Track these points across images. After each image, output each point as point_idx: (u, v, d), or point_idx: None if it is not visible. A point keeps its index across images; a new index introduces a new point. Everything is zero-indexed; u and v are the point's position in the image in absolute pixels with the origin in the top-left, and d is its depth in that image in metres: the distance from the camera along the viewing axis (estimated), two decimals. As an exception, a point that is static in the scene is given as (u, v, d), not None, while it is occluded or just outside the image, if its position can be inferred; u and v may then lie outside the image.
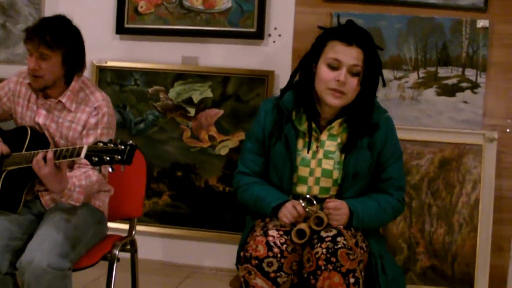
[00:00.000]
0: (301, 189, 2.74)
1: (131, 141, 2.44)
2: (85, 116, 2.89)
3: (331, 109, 2.71)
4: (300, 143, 2.75)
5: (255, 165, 2.83)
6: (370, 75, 2.67)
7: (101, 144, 2.44)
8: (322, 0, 3.90)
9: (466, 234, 3.80)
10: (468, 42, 3.77)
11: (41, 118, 2.91)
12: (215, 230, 4.16)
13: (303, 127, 2.74)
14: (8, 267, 2.66)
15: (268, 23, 4.04)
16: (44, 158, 2.56)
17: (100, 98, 2.93)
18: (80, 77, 2.96)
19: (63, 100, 2.89)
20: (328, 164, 2.71)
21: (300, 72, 2.78)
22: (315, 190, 2.73)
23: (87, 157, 2.44)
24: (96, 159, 2.42)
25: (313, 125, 2.72)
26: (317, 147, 2.73)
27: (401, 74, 3.85)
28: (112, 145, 2.42)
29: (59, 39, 2.78)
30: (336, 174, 2.71)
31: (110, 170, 2.43)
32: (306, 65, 2.75)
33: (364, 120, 2.69)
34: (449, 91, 3.82)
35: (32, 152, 2.70)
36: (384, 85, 2.79)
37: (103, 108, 2.91)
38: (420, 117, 3.84)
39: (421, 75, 3.84)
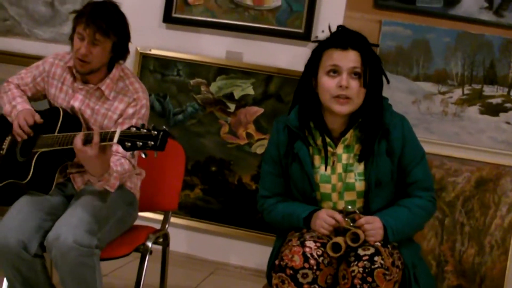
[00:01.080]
0: (327, 205, 2.77)
1: (164, 127, 2.49)
2: (122, 106, 3.00)
3: (339, 120, 2.73)
4: (317, 159, 2.77)
5: (276, 187, 2.87)
6: (371, 75, 2.69)
7: (134, 129, 2.50)
8: (372, 6, 4.03)
9: (496, 257, 3.91)
10: None
11: (77, 102, 3.00)
12: (244, 228, 4.31)
13: (318, 142, 2.77)
14: (37, 248, 2.75)
15: (316, 25, 4.16)
16: (89, 141, 2.61)
17: (139, 90, 3.04)
18: (121, 64, 3.07)
19: (102, 88, 2.99)
20: (349, 178, 2.73)
21: (301, 89, 2.81)
22: (341, 205, 2.75)
23: (120, 141, 2.50)
24: (129, 144, 2.48)
25: (327, 140, 2.75)
26: (333, 162, 2.75)
27: (446, 89, 3.96)
28: (145, 131, 2.48)
29: (113, 27, 2.90)
30: (359, 186, 2.73)
31: (143, 155, 2.47)
32: (305, 81, 2.78)
33: (375, 124, 2.71)
34: (493, 110, 3.91)
35: (66, 134, 2.79)
36: (388, 82, 2.81)
37: (142, 100, 3.02)
38: (460, 133, 3.95)
39: (466, 91, 3.94)
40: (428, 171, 2.84)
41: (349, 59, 2.66)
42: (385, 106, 2.79)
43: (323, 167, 2.76)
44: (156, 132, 2.47)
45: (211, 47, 4.37)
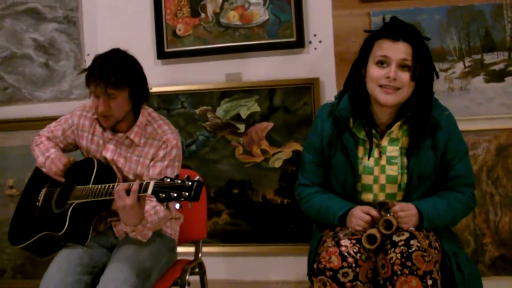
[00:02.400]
0: (367, 197, 2.80)
1: (198, 177, 2.52)
2: (153, 150, 3.03)
3: (386, 111, 2.76)
4: (361, 150, 2.80)
5: (316, 176, 2.90)
6: (422, 68, 2.70)
7: (168, 180, 2.53)
8: (359, 1, 4.05)
9: (532, 219, 3.89)
10: (511, 25, 3.89)
11: (108, 153, 3.04)
12: (278, 243, 4.30)
13: (362, 134, 2.79)
14: (81, 301, 2.76)
15: (307, 30, 4.19)
16: (127, 191, 2.64)
17: (168, 132, 3.06)
18: (146, 108, 3.09)
19: (131, 136, 3.02)
20: (391, 170, 2.76)
21: (351, 78, 2.85)
22: (381, 197, 2.78)
23: (154, 193, 2.53)
24: (163, 195, 2.50)
25: (373, 131, 2.78)
26: (379, 153, 2.78)
27: (447, 65, 3.96)
28: (179, 182, 2.50)
29: (124, 77, 2.90)
30: (400, 179, 2.76)
31: (177, 206, 2.48)
32: (356, 70, 2.82)
33: (424, 119, 2.73)
34: (497, 76, 3.92)
35: (101, 186, 2.82)
36: (437, 76, 2.82)
37: (172, 141, 3.03)
38: (470, 106, 3.95)
39: (467, 64, 3.95)
40: (470, 168, 2.88)
41: (399, 50, 2.69)
42: (434, 101, 2.82)
43: (366, 158, 2.78)
44: (190, 183, 2.49)
45: (209, 73, 4.40)
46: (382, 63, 2.71)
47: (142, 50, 4.36)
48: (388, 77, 2.68)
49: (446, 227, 2.83)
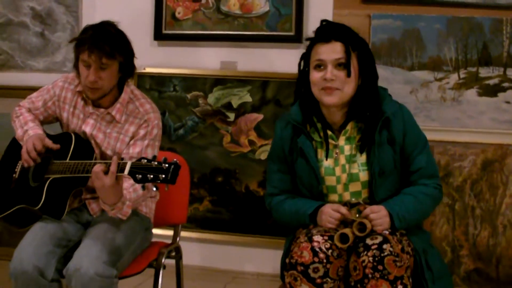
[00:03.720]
0: (333, 197, 2.79)
1: (175, 160, 2.49)
2: (133, 128, 3.01)
3: (337, 112, 2.77)
4: (320, 153, 2.80)
5: (283, 184, 2.90)
6: (362, 64, 2.72)
7: (145, 161, 2.50)
8: (360, 2, 4.05)
9: (510, 236, 3.92)
10: (509, 41, 3.89)
11: (88, 127, 3.02)
12: (256, 235, 4.32)
13: (317, 136, 2.80)
14: (54, 273, 2.76)
15: (306, 26, 4.19)
16: (104, 171, 2.61)
17: (150, 111, 3.04)
18: (129, 85, 3.07)
19: (113, 113, 3.00)
20: (353, 168, 2.76)
21: (299, 86, 2.86)
22: (347, 196, 2.78)
23: (130, 173, 2.51)
24: (140, 176, 2.48)
25: (329, 132, 2.78)
26: (336, 153, 2.78)
27: (442, 75, 3.97)
28: (156, 163, 2.48)
29: (118, 48, 2.89)
30: (363, 176, 2.75)
31: (154, 188, 2.47)
32: (302, 78, 2.83)
33: (372, 113, 2.74)
34: (491, 91, 3.93)
35: (78, 162, 2.80)
36: (375, 74, 2.81)
37: (153, 121, 3.02)
38: (461, 118, 3.95)
39: (462, 75, 3.95)
40: (431, 158, 2.87)
41: (332, 51, 2.70)
42: (383, 95, 2.82)
43: (326, 160, 2.78)
44: (167, 165, 2.47)
45: (204, 59, 4.41)
46: (320, 66, 2.72)
47: (140, 29, 4.42)
48: (325, 79, 2.69)
49: (417, 223, 2.83)
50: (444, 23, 3.98)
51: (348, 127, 2.79)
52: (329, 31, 2.75)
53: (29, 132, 3.03)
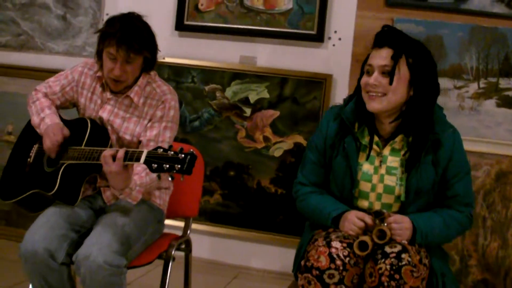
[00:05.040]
0: (362, 203, 2.79)
1: (192, 150, 2.48)
2: (152, 110, 3.01)
3: (384, 120, 2.75)
4: (362, 157, 2.79)
5: (315, 176, 2.90)
6: (417, 75, 2.69)
7: (161, 150, 2.49)
8: (384, 5, 4.04)
9: (520, 249, 3.91)
10: None
11: (105, 113, 3.02)
12: (265, 231, 4.32)
13: (365, 140, 2.79)
14: (64, 257, 2.76)
15: (328, 26, 4.20)
16: (113, 157, 2.62)
17: (167, 92, 3.04)
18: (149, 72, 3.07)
19: (131, 95, 3.00)
20: (390, 181, 2.75)
21: (358, 85, 2.84)
22: (377, 206, 2.77)
23: (146, 162, 2.50)
24: (156, 165, 2.47)
25: (376, 139, 2.78)
26: (380, 162, 2.77)
27: (461, 83, 3.97)
28: (172, 153, 2.47)
29: (146, 43, 2.91)
30: (398, 191, 2.75)
31: (169, 178, 2.47)
32: (361, 78, 2.82)
33: (424, 132, 2.72)
34: (510, 103, 3.92)
35: (92, 149, 2.80)
36: (438, 89, 2.79)
37: (170, 102, 3.02)
38: (478, 128, 3.95)
39: (481, 85, 3.95)
40: (470, 188, 2.86)
41: (381, 57, 2.70)
42: (439, 114, 2.81)
43: (366, 165, 2.78)
44: (183, 156, 2.46)
45: (224, 52, 4.40)
46: (368, 72, 2.74)
47: (162, 18, 4.42)
48: (369, 84, 2.71)
49: (439, 245, 2.83)
50: (467, 32, 3.96)
51: (397, 139, 2.78)
52: (385, 37, 2.74)
53: (46, 120, 3.03)
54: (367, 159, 2.79)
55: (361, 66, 2.82)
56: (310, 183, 2.91)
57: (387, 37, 2.73)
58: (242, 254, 4.44)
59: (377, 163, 2.78)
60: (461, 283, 3.96)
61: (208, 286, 4.11)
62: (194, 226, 4.14)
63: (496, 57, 3.95)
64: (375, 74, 2.69)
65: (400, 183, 2.75)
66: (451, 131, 2.81)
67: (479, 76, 3.98)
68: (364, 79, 2.74)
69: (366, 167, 2.79)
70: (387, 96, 2.69)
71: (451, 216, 2.78)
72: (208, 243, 4.49)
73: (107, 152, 2.65)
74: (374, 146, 2.79)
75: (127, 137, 3.02)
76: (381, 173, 2.77)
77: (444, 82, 3.99)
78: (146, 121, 3.02)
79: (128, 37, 2.84)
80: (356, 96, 2.85)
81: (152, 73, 3.10)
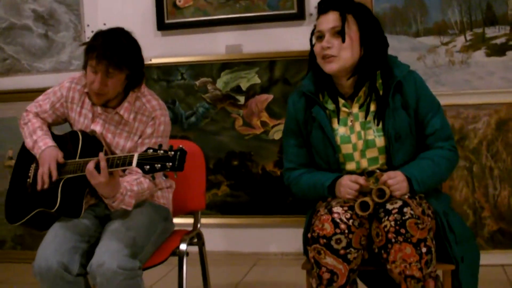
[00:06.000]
0: (350, 166, 2.80)
1: (181, 146, 2.51)
2: (142, 126, 3.00)
3: (345, 80, 2.78)
4: (334, 122, 2.81)
5: (300, 158, 2.91)
6: (364, 32, 2.75)
7: (151, 151, 2.52)
8: (361, -28, 4.10)
9: (531, 193, 3.93)
10: None
11: (98, 127, 3.02)
12: (277, 215, 4.35)
13: (332, 106, 2.81)
14: (79, 269, 2.77)
15: (308, 2, 4.19)
16: (98, 167, 2.67)
17: (157, 107, 3.03)
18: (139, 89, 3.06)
19: (121, 112, 2.99)
20: (368, 135, 2.76)
21: (311, 57, 2.87)
22: (364, 163, 2.78)
23: (138, 165, 2.53)
24: (148, 167, 2.51)
25: (341, 101, 2.80)
26: (351, 121, 2.78)
27: (448, 39, 3.97)
28: (162, 152, 2.50)
29: (127, 60, 2.87)
30: (379, 141, 2.76)
31: (163, 178, 2.52)
32: (312, 49, 2.85)
33: (385, 79, 2.76)
34: (499, 50, 3.92)
35: (87, 160, 2.79)
36: (386, 41, 2.83)
37: (160, 118, 3.01)
38: (471, 80, 3.96)
39: (468, 37, 3.95)
40: (445, 120, 2.87)
41: (328, 20, 2.74)
42: (394, 61, 2.83)
43: (341, 128, 2.80)
44: (173, 153, 2.50)
45: (209, 45, 4.41)
46: (320, 37, 2.76)
47: (142, 21, 4.43)
48: (323, 47, 2.73)
49: (436, 186, 2.84)
50: (446, -13, 3.96)
51: (361, 93, 2.80)
52: (327, 2, 2.78)
53: (39, 144, 3.03)
54: (338, 122, 2.81)
55: (310, 39, 2.85)
56: (298, 165, 2.92)
57: (330, 1, 2.78)
58: (257, 241, 4.46)
59: (349, 123, 2.80)
60: (478, 235, 3.97)
61: (228, 277, 4.12)
62: (205, 220, 4.19)
63: (479, 7, 3.95)
64: (327, 36, 2.72)
65: (378, 134, 2.77)
66: (409, 70, 2.82)
67: (465, 28, 3.98)
68: (317, 45, 2.76)
69: (342, 130, 2.80)
70: (341, 55, 2.72)
71: (436, 154, 2.78)
72: (222, 236, 4.51)
73: (90, 166, 2.69)
74: (343, 108, 2.81)
75: (118, 152, 3.03)
76: (357, 130, 2.79)
77: (430, 40, 4.01)
78: (137, 136, 3.02)
79: (109, 51, 2.84)
80: (310, 69, 2.89)
81: (143, 87, 3.09)
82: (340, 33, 2.72)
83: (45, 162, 2.96)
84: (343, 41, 2.72)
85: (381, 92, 2.78)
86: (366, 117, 2.79)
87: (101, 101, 2.97)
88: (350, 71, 2.77)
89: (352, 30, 2.74)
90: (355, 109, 2.81)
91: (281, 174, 4.20)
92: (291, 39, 4.26)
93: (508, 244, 4.00)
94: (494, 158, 3.99)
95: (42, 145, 3.03)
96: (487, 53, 3.96)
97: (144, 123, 3.02)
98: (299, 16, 4.21)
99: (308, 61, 2.91)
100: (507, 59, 3.94)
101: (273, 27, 4.30)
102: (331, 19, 2.74)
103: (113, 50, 2.84)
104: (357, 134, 2.79)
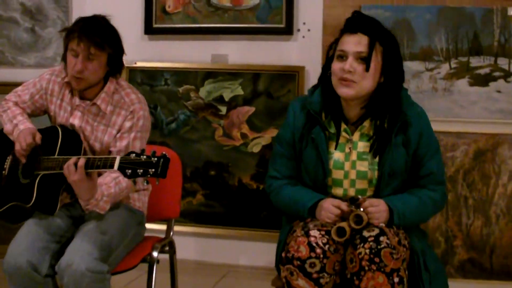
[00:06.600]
0: (337, 192, 2.79)
1: (164, 153, 2.49)
2: (120, 120, 2.99)
3: (353, 106, 2.75)
4: (332, 145, 2.78)
5: (286, 169, 2.88)
6: (387, 61, 2.70)
7: (134, 155, 2.50)
8: (350, -8, 4.02)
9: (504, 226, 3.94)
10: (500, 30, 3.89)
11: (76, 120, 3.00)
12: (250, 228, 4.34)
13: (333, 129, 2.78)
14: (48, 269, 2.76)
15: (296, 18, 4.20)
16: (75, 164, 2.64)
17: (136, 101, 3.01)
18: (117, 77, 3.05)
19: (98, 103, 2.97)
20: (362, 166, 2.75)
21: (323, 73, 2.84)
22: (351, 192, 2.77)
23: (120, 169, 2.50)
24: (130, 171, 2.48)
25: (344, 126, 2.77)
26: (349, 148, 2.76)
27: (433, 65, 3.98)
28: (145, 157, 2.48)
29: (107, 39, 2.88)
30: (371, 175, 2.75)
31: (145, 183, 2.51)
32: (327, 65, 2.80)
33: (393, 115, 2.72)
34: (482, 81, 3.93)
35: (66, 157, 2.76)
36: (403, 76, 2.80)
37: (139, 112, 2.99)
38: (453, 108, 3.96)
39: (453, 65, 3.96)
40: (441, 164, 2.87)
41: (355, 43, 2.68)
42: (404, 96, 2.81)
43: (337, 153, 2.78)
44: (156, 159, 2.47)
45: (195, 52, 4.41)
46: (342, 56, 2.71)
47: (130, 23, 4.40)
48: (344, 70, 2.68)
49: (416, 224, 2.84)
50: (434, 13, 3.98)
51: (366, 123, 2.78)
52: (357, 22, 2.73)
53: (20, 126, 3.01)
54: (336, 147, 2.78)
55: (327, 52, 2.82)
56: (282, 176, 2.89)
57: (360, 23, 2.72)
58: (228, 252, 4.45)
59: (347, 149, 2.78)
60: (448, 263, 3.98)
61: (196, 286, 4.12)
62: (178, 228, 4.18)
63: (466, 37, 3.97)
64: (350, 59, 2.67)
65: (372, 167, 2.75)
66: (419, 111, 2.82)
67: (450, 56, 3.99)
68: (338, 64, 2.70)
69: (337, 155, 2.78)
70: (360, 82, 2.68)
71: (425, 195, 2.78)
72: (194, 244, 4.49)
73: (71, 161, 2.66)
74: (344, 134, 2.78)
75: (97, 145, 3.01)
76: (353, 159, 2.77)
77: (415, 65, 4.01)
78: (115, 130, 3.00)
79: (89, 30, 2.85)
80: (320, 85, 2.85)
81: (121, 79, 3.09)
82: (365, 61, 2.67)
83: (21, 136, 2.95)
84: (367, 69, 2.67)
85: (385, 125, 2.75)
86: (364, 148, 2.77)
87: (81, 86, 2.95)
88: (364, 100, 2.75)
89: (376, 58, 2.70)
90: (355, 137, 2.79)
91: (257, 187, 4.27)
92: (277, 53, 4.27)
93: (478, 274, 4.01)
94: (469, 188, 4.00)
95: (23, 127, 3.01)
96: (471, 83, 3.98)
97: (122, 116, 3.00)
98: (287, 31, 4.21)
99: (320, 76, 2.88)
100: (490, 90, 3.96)
101: (260, 40, 4.30)
102: (358, 42, 2.69)
103: (94, 30, 2.86)
104: (351, 163, 2.78)
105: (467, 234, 4.01)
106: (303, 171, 2.85)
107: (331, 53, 2.80)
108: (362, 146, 2.78)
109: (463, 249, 4.02)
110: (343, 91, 2.70)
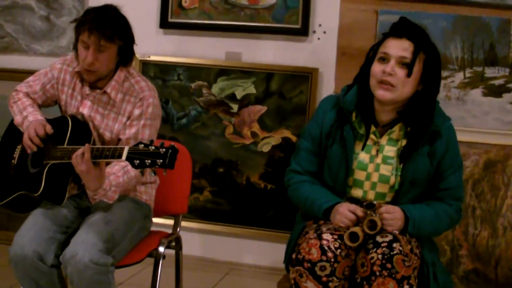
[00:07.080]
0: (357, 192, 2.81)
1: (173, 144, 2.50)
2: (130, 107, 3.00)
3: (386, 109, 2.76)
4: (359, 145, 2.79)
5: (309, 164, 2.89)
6: (427, 70, 2.72)
7: (142, 146, 2.50)
8: (368, -3, 4.03)
9: (510, 238, 3.93)
10: None
11: (85, 109, 3.02)
12: (256, 227, 4.34)
13: (363, 129, 2.78)
14: (53, 259, 2.78)
15: (312, 19, 4.19)
16: (83, 154, 2.65)
17: (145, 88, 3.03)
18: (127, 67, 3.05)
19: (108, 91, 2.98)
20: (385, 170, 2.76)
21: (361, 73, 2.84)
22: (371, 195, 2.79)
23: (128, 159, 2.51)
24: (138, 161, 2.49)
25: (373, 128, 2.78)
26: (377, 151, 2.78)
27: (447, 73, 3.96)
28: (153, 148, 2.48)
29: (118, 31, 2.89)
30: (393, 180, 2.76)
31: (152, 174, 2.49)
32: (366, 67, 2.81)
33: (425, 125, 2.73)
34: (496, 91, 3.93)
35: (75, 147, 2.78)
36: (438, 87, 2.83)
37: (148, 99, 3.00)
38: (465, 117, 3.96)
39: (467, 75, 3.95)
40: (461, 181, 2.90)
41: (400, 47, 2.70)
42: (438, 108, 2.83)
43: (363, 154, 2.79)
44: (164, 150, 2.47)
45: (209, 49, 4.40)
46: (384, 59, 2.72)
47: (146, 16, 4.41)
48: (384, 72, 2.69)
49: (429, 237, 2.85)
50: (450, 22, 3.97)
51: (395, 128, 2.79)
52: (404, 28, 2.74)
53: (29, 118, 3.02)
54: (363, 148, 2.79)
55: (368, 53, 2.83)
56: (304, 171, 2.90)
57: (407, 28, 2.74)
58: (233, 250, 4.45)
59: (373, 152, 2.79)
60: (452, 273, 3.98)
61: (200, 283, 4.12)
62: (184, 223, 4.17)
63: (481, 47, 3.95)
64: (392, 63, 2.69)
65: (395, 173, 2.77)
66: (449, 124, 2.83)
67: (465, 65, 3.98)
68: (380, 66, 2.72)
69: (362, 156, 2.79)
70: (399, 87, 2.69)
71: (442, 209, 2.80)
72: (199, 241, 4.49)
73: (78, 151, 2.67)
74: (372, 136, 2.79)
75: (107, 134, 3.02)
76: (377, 162, 2.79)
77: (430, 73, 4.01)
78: (125, 118, 3.01)
79: (100, 23, 2.86)
80: (356, 85, 2.85)
81: (131, 68, 3.09)
82: (408, 66, 2.68)
83: (31, 127, 2.96)
84: (409, 75, 2.68)
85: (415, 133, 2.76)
86: (390, 153, 2.78)
87: (92, 78, 2.97)
88: (399, 105, 2.76)
89: (418, 66, 2.71)
90: (383, 141, 2.81)
91: (265, 187, 4.27)
92: (292, 54, 4.26)
93: (482, 284, 4.00)
94: (478, 198, 3.99)
95: (32, 118, 3.02)
96: (484, 93, 3.97)
97: (132, 103, 3.01)
98: (303, 32, 4.20)
99: (357, 75, 2.88)
100: (503, 101, 3.95)
101: (275, 40, 4.30)
102: (403, 47, 2.70)
103: (105, 22, 2.87)
104: (375, 166, 2.79)
105: (473, 244, 4.00)
106: (326, 168, 2.86)
107: (371, 54, 2.82)
108: (389, 150, 2.79)
109: (468, 259, 4.01)
110: (381, 93, 2.71)
